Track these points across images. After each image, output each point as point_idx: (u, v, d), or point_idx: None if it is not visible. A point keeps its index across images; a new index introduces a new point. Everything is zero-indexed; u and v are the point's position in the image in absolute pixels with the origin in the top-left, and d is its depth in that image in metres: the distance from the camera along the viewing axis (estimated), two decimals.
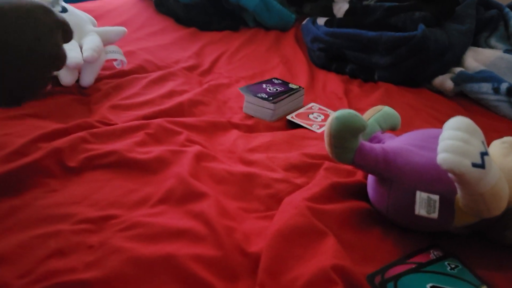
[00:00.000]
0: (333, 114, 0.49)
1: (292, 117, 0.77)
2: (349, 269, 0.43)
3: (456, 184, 0.44)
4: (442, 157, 0.42)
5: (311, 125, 0.75)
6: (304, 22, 1.18)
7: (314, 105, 0.83)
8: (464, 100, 0.95)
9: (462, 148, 0.41)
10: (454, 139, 0.42)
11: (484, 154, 0.42)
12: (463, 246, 0.51)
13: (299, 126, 0.75)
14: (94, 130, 0.62)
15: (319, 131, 0.74)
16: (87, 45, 0.74)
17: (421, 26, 0.96)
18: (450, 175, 0.43)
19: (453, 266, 0.47)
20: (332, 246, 0.45)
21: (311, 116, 0.79)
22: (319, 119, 0.78)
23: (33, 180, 0.51)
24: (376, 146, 0.51)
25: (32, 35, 0.40)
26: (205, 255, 0.44)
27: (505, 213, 0.47)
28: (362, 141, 0.51)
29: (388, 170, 0.50)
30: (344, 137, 0.49)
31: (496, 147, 0.52)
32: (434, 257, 0.48)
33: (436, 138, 0.45)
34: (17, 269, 0.40)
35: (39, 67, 0.42)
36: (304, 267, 0.44)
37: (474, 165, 0.41)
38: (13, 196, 0.49)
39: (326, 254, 0.44)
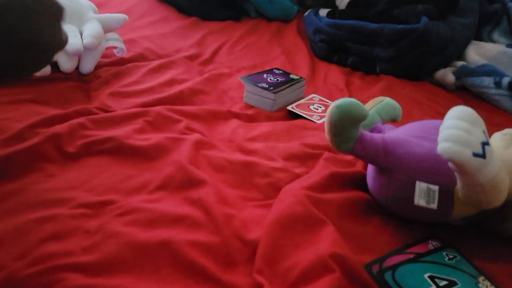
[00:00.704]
0: (334, 103, 0.49)
1: (292, 108, 0.77)
2: (347, 258, 0.43)
3: (456, 174, 0.44)
4: (443, 146, 0.41)
5: (311, 116, 0.75)
6: (306, 13, 1.17)
7: (315, 96, 0.83)
8: (465, 94, 0.95)
9: (463, 138, 0.41)
10: (455, 128, 0.42)
11: (485, 144, 0.42)
12: (462, 237, 0.51)
13: (299, 117, 0.75)
14: (93, 116, 0.62)
15: (319, 121, 0.74)
16: (87, 32, 0.73)
17: (424, 19, 0.95)
18: (450, 164, 0.42)
19: (451, 256, 0.47)
20: (331, 234, 0.45)
21: (311, 107, 0.78)
22: (319, 110, 0.78)
23: (32, 165, 0.51)
24: (376, 136, 0.51)
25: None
26: (203, 241, 0.44)
27: (504, 205, 0.46)
28: (362, 130, 0.51)
29: (387, 160, 0.49)
30: (345, 126, 0.48)
31: (497, 139, 0.52)
32: (432, 248, 0.48)
33: (436, 129, 0.44)
34: (14, 252, 0.40)
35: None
36: (302, 254, 0.43)
37: (475, 154, 0.41)
38: (11, 180, 0.49)
39: (324, 242, 0.44)
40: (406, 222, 0.51)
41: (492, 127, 0.53)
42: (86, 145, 0.56)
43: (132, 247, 0.42)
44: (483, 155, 0.41)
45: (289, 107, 0.77)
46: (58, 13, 0.46)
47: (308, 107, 0.78)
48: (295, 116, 0.75)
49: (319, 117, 0.75)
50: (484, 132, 0.43)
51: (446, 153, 0.41)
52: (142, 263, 0.41)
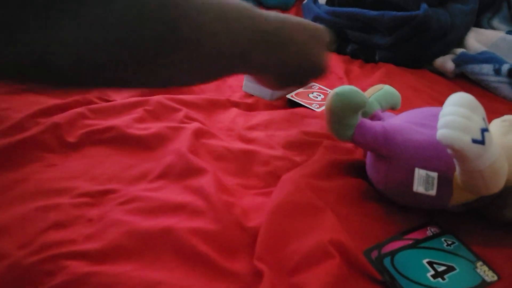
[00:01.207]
0: (333, 90, 0.49)
1: (292, 96, 0.77)
2: (346, 244, 0.43)
3: (455, 161, 0.44)
4: (442, 132, 0.41)
5: (311, 104, 0.75)
6: (305, 1, 1.16)
7: (314, 85, 0.83)
8: (465, 82, 0.94)
9: (462, 124, 0.41)
10: (454, 114, 0.42)
11: (484, 130, 0.42)
12: (460, 223, 0.51)
13: (298, 105, 0.75)
14: (93, 106, 0.62)
15: (319, 110, 0.74)
16: None
17: (424, 6, 0.94)
18: (449, 151, 0.43)
19: (449, 242, 0.48)
20: (330, 221, 0.46)
21: (311, 96, 0.78)
22: (319, 98, 0.78)
23: (32, 155, 0.51)
24: (376, 123, 0.51)
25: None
26: (203, 229, 0.44)
27: (503, 191, 0.47)
28: (362, 118, 0.51)
29: (387, 147, 0.50)
30: (345, 113, 0.48)
31: (496, 126, 0.52)
32: (431, 234, 0.48)
33: (436, 116, 0.44)
34: (17, 240, 0.41)
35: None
36: (302, 241, 0.44)
37: (474, 141, 0.41)
38: (12, 170, 0.49)
39: (324, 228, 0.45)
40: (404, 209, 0.52)
41: (492, 114, 0.53)
42: (87, 134, 0.56)
43: (134, 235, 0.42)
44: (482, 142, 0.41)
45: (288, 96, 0.76)
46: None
47: (308, 95, 0.78)
48: (294, 104, 0.75)
49: (318, 106, 0.75)
50: (483, 119, 0.43)
51: (445, 139, 0.41)
52: (143, 250, 0.42)
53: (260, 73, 0.50)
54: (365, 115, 0.58)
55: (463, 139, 0.41)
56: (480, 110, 0.43)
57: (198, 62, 0.36)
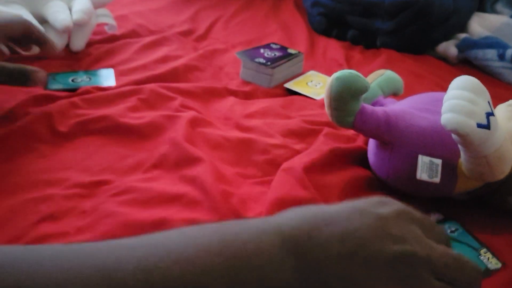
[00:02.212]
0: (333, 75, 0.47)
1: (290, 84, 0.75)
2: None
3: (460, 146, 0.43)
4: (446, 117, 0.40)
5: (309, 92, 0.73)
6: None
7: (313, 72, 0.81)
8: (468, 68, 0.92)
9: (467, 108, 0.39)
10: (459, 98, 0.40)
11: (489, 114, 0.40)
12: (463, 211, 0.50)
13: (297, 93, 0.73)
14: (85, 96, 0.60)
15: (318, 98, 0.72)
16: (76, 7, 0.71)
17: None
18: (453, 136, 0.41)
19: (453, 229, 0.46)
20: None
21: (309, 84, 0.76)
22: (318, 86, 0.76)
23: (23, 145, 0.50)
24: (378, 109, 0.50)
25: None
26: (200, 220, 0.43)
27: (508, 178, 0.45)
28: (363, 104, 0.49)
29: (389, 133, 0.48)
30: (345, 98, 0.47)
31: (501, 111, 0.50)
32: (435, 221, 0.47)
33: (440, 101, 0.43)
34: (9, 233, 0.40)
35: None
36: None
37: (479, 125, 0.39)
38: (3, 161, 0.48)
39: None
40: (408, 198, 0.50)
41: (496, 100, 0.51)
42: (79, 124, 0.54)
43: (128, 227, 0.41)
44: (487, 126, 0.40)
45: (286, 85, 0.75)
46: None
47: (306, 83, 0.76)
48: (293, 92, 0.74)
49: (317, 93, 0.73)
50: (488, 102, 0.41)
51: (450, 124, 0.39)
52: None
53: None
54: (366, 101, 0.57)
55: (468, 124, 0.39)
56: (485, 94, 0.42)
57: None
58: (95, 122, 0.55)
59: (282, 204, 0.45)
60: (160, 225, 0.41)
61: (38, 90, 0.59)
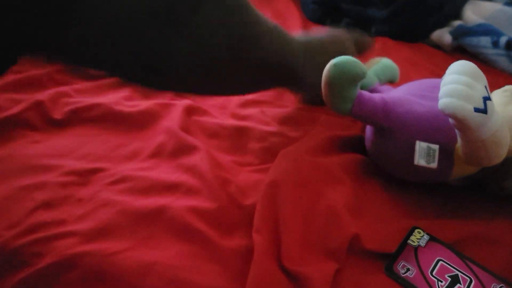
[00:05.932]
0: (331, 61, 0.47)
1: None
2: (345, 219, 0.42)
3: (457, 131, 0.43)
4: (444, 102, 0.40)
5: None
6: None
7: None
8: (463, 55, 0.92)
9: (464, 92, 0.39)
10: (456, 83, 0.40)
11: (486, 99, 0.40)
12: (462, 197, 0.50)
13: None
14: (77, 85, 0.59)
15: None
16: None
17: None
18: (451, 121, 0.41)
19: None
20: (330, 199, 0.45)
21: None
22: None
23: (15, 132, 0.49)
24: (375, 95, 0.49)
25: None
26: (199, 207, 0.43)
27: (504, 162, 0.46)
28: (361, 90, 0.49)
29: (387, 120, 0.48)
30: (342, 85, 0.46)
31: (498, 96, 0.50)
32: None
33: (436, 88, 0.43)
34: (5, 220, 0.39)
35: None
36: (301, 216, 0.43)
37: (476, 109, 0.39)
38: None
39: (325, 203, 0.44)
40: (405, 184, 0.51)
41: (490, 87, 0.51)
42: (72, 112, 0.53)
43: (127, 214, 0.41)
44: (484, 110, 0.40)
45: None
46: None
47: None
48: None
49: None
50: (485, 87, 0.41)
51: (447, 108, 0.39)
52: (137, 230, 0.40)
53: (299, 82, 0.56)
54: (363, 88, 0.57)
55: (465, 108, 0.39)
56: (482, 79, 0.42)
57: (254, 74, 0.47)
58: (89, 109, 0.54)
59: (279, 185, 0.44)
60: (160, 212, 0.41)
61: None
